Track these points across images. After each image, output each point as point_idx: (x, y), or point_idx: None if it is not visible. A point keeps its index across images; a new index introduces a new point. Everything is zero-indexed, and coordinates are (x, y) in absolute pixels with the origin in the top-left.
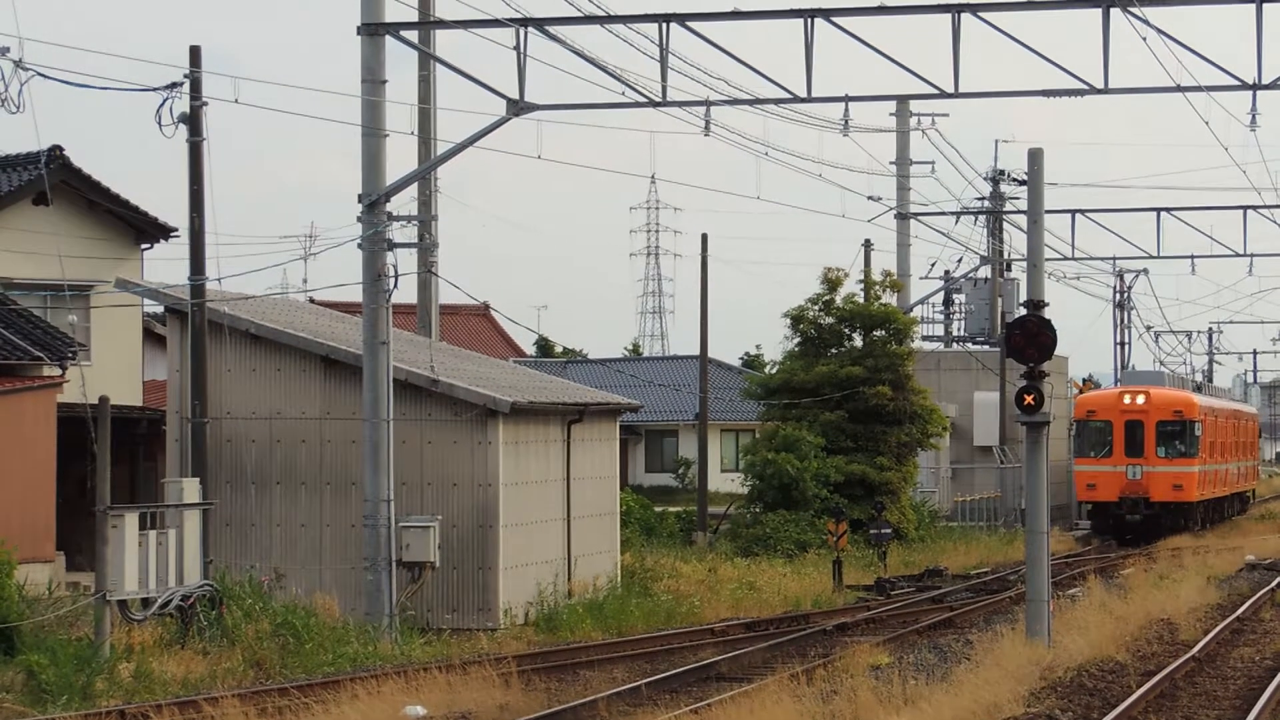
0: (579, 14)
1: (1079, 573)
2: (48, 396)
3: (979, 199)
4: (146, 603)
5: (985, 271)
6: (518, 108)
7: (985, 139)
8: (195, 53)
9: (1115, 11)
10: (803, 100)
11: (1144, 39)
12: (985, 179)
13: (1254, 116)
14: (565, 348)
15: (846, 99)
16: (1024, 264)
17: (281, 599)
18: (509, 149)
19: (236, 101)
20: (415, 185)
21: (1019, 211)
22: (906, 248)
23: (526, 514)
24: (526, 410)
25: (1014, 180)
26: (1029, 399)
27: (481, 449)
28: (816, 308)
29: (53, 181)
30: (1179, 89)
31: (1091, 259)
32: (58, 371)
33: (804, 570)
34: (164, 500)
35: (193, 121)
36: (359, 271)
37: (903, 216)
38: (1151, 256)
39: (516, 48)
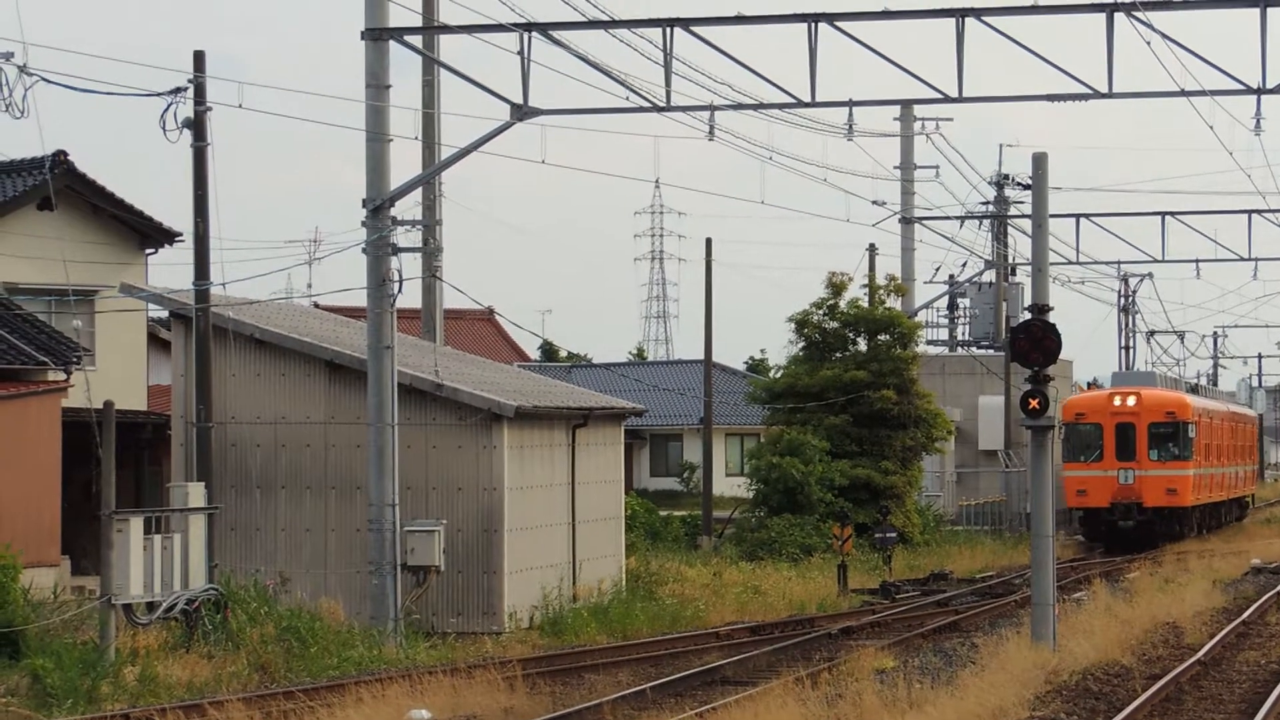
0: (583, 19)
1: (1084, 576)
2: (52, 401)
3: (983, 203)
4: (151, 607)
5: (990, 276)
6: (522, 112)
7: (989, 143)
8: (199, 58)
9: (1119, 16)
10: (807, 105)
11: (1148, 43)
12: (989, 183)
13: (1258, 121)
14: (570, 352)
15: (850, 103)
16: (1028, 268)
17: (286, 603)
18: (513, 154)
19: (240, 106)
20: (420, 190)
21: (1023, 216)
22: (911, 252)
23: (531, 518)
24: (531, 415)
25: (1018, 184)
26: (1034, 403)
27: (486, 453)
28: (821, 312)
29: (57, 186)
30: (1183, 93)
31: (1096, 263)
32: (62, 376)
33: (809, 574)
34: (169, 505)
35: (197, 126)
36: (363, 276)
37: (907, 221)
38: (1156, 260)
39: (520, 52)
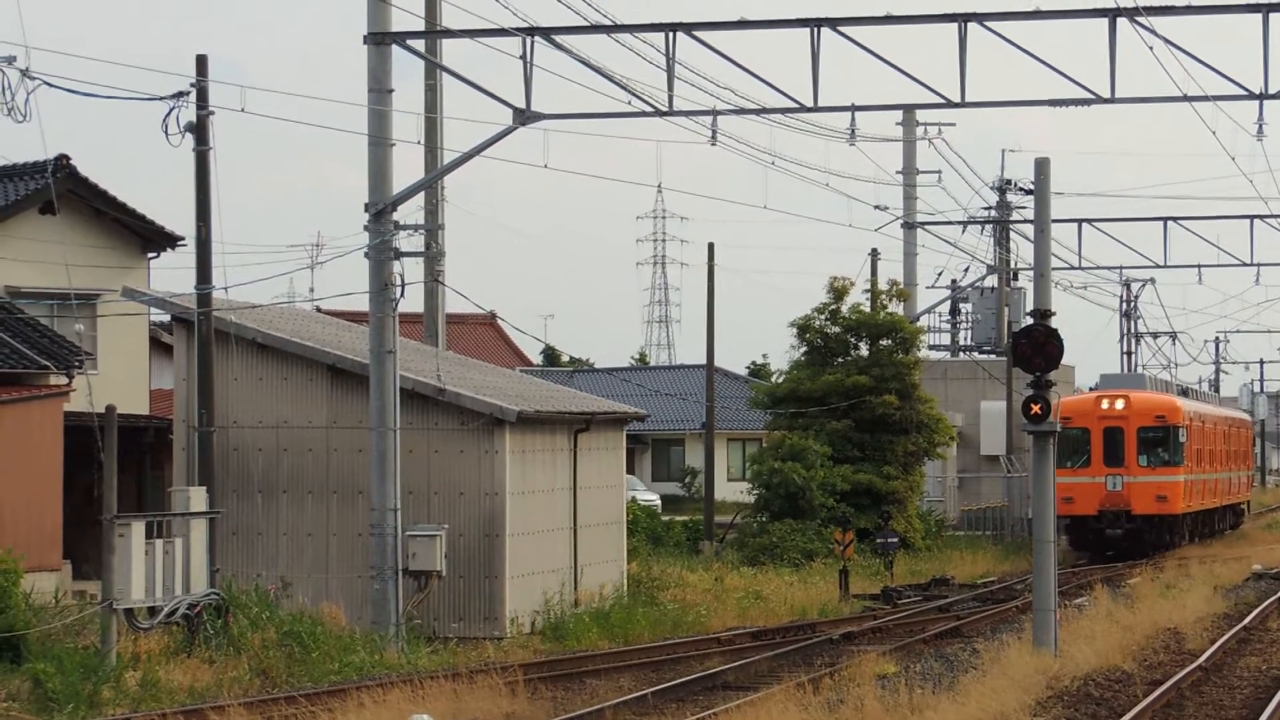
0: (586, 23)
1: (1085, 582)
2: (54, 405)
3: (985, 208)
4: (153, 611)
5: (992, 281)
6: (524, 117)
7: (992, 148)
8: (202, 61)
9: (1122, 21)
10: (809, 110)
11: (1150, 48)
12: (992, 188)
13: (1261, 126)
14: (572, 357)
15: (853, 108)
16: (1030, 273)
17: (288, 608)
18: (515, 158)
19: (243, 110)
20: (422, 194)
21: (1025, 221)
22: (913, 257)
23: (533, 523)
24: (533, 419)
25: (1020, 190)
26: (1036, 408)
27: (488, 458)
28: (823, 317)
29: (59, 190)
30: (1186, 99)
31: (1098, 268)
32: (64, 380)
33: (810, 579)
34: (171, 509)
35: (199, 130)
36: (366, 280)
37: (909, 226)
38: (1158, 266)
39: (523, 57)
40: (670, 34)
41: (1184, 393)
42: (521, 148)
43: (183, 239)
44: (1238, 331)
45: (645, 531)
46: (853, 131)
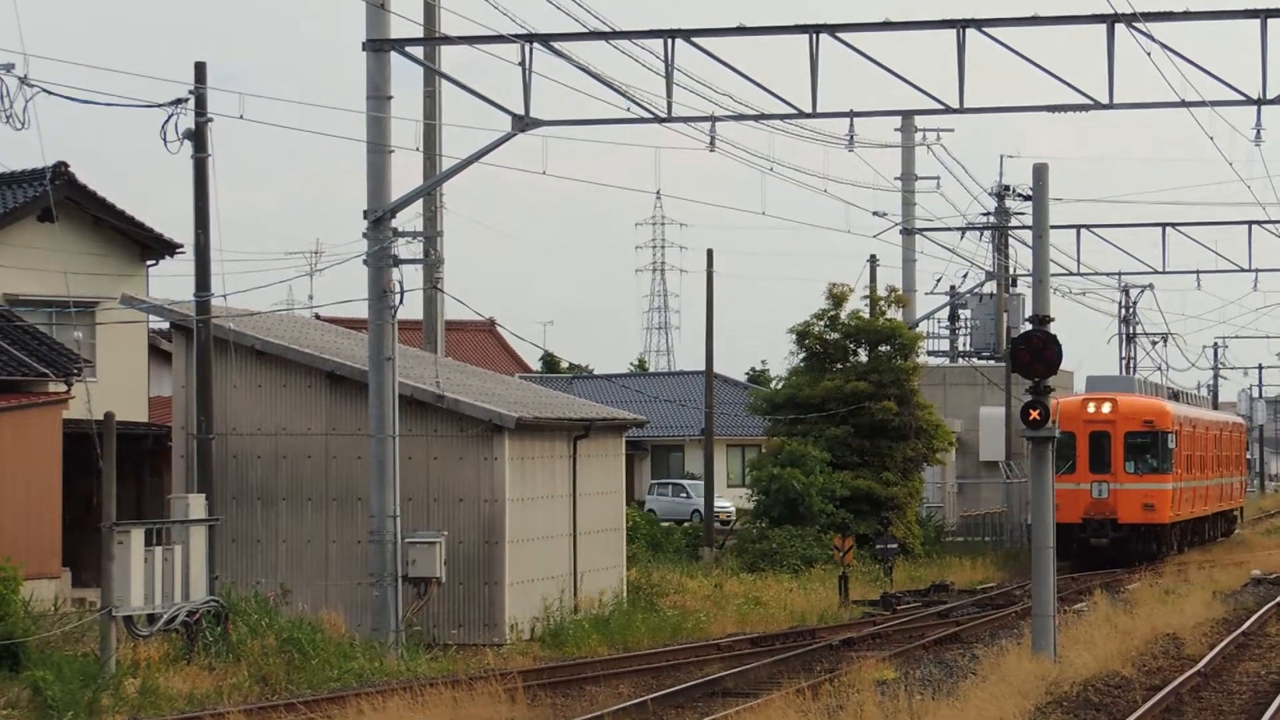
0: (584, 30)
1: (1085, 588)
2: (53, 413)
3: (984, 214)
4: (152, 618)
5: (990, 287)
6: (523, 123)
7: (990, 154)
8: (200, 69)
9: (1120, 27)
10: (808, 116)
11: (1149, 54)
12: (990, 194)
13: (1259, 132)
14: (571, 363)
15: (851, 114)
16: (1029, 279)
17: (287, 614)
18: (514, 165)
19: (241, 118)
20: (421, 201)
21: (1024, 227)
22: (912, 263)
23: (532, 529)
24: (532, 426)
25: (1019, 196)
26: (1034, 414)
27: (487, 465)
28: (822, 323)
29: (58, 198)
30: (1184, 104)
31: (1097, 274)
32: (63, 388)
33: (810, 585)
34: (170, 516)
35: (198, 137)
36: (364, 287)
37: (908, 232)
38: (1157, 272)
39: (522, 63)
40: (669, 40)
41: (1175, 396)
42: (520, 154)
43: (181, 246)
44: (1236, 337)
45: (645, 538)
46: (851, 137)
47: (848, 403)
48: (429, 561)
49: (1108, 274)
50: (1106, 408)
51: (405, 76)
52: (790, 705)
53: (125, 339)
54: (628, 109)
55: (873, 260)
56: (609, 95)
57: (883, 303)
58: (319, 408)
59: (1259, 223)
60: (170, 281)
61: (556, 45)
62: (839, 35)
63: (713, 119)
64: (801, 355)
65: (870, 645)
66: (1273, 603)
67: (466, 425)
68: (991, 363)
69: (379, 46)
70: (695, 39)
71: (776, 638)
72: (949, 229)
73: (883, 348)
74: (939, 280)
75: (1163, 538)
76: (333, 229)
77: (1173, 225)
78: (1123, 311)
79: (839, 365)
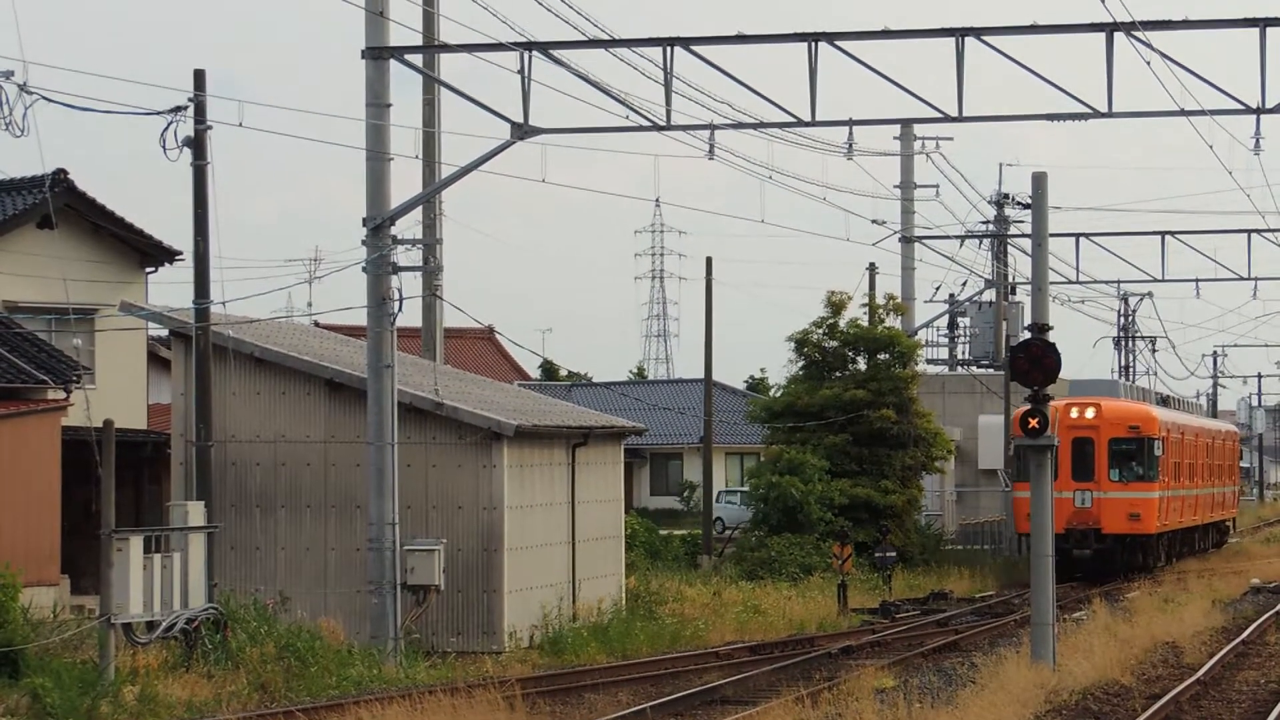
0: (583, 38)
1: (1084, 596)
2: (52, 420)
3: (983, 222)
4: (151, 626)
5: (989, 295)
6: (522, 131)
7: (989, 162)
8: (200, 76)
9: (1119, 36)
10: (807, 124)
11: (1148, 62)
12: (989, 202)
13: (1258, 140)
14: (570, 371)
15: (850, 123)
16: (1028, 287)
17: (286, 622)
18: (513, 173)
19: (241, 125)
20: (420, 209)
21: (1023, 235)
22: (911, 271)
23: (531, 537)
24: (531, 433)
25: (1018, 204)
26: (1033, 422)
27: (486, 472)
28: (821, 331)
29: (57, 205)
30: (1183, 113)
31: (1096, 282)
32: (62, 395)
33: (809, 593)
34: (169, 523)
35: (197, 145)
36: (364, 295)
37: (907, 240)
38: (1156, 280)
39: (521, 71)
40: (668, 48)
41: (1164, 402)
42: (519, 162)
43: (181, 254)
44: (1235, 345)
45: (643, 545)
46: (850, 146)
47: (846, 411)
48: (428, 569)
49: (1107, 282)
50: (1090, 413)
51: (405, 84)
52: (789, 713)
53: (124, 346)
54: (627, 117)
55: (872, 268)
56: (608, 103)
57: (881, 311)
58: (318, 415)
59: (1258, 231)
60: (169, 289)
61: (556, 53)
62: (838, 44)
63: (712, 127)
64: (800, 363)
65: (869, 653)
66: (1272, 611)
67: (465, 433)
68: (990, 371)
69: (378, 54)
70: (694, 47)
71: (775, 646)
72: (948, 237)
73: (881, 356)
74: (938, 288)
75: (1149, 549)
76: (332, 236)
77: (1172, 233)
78: (1121, 320)
79: (838, 373)
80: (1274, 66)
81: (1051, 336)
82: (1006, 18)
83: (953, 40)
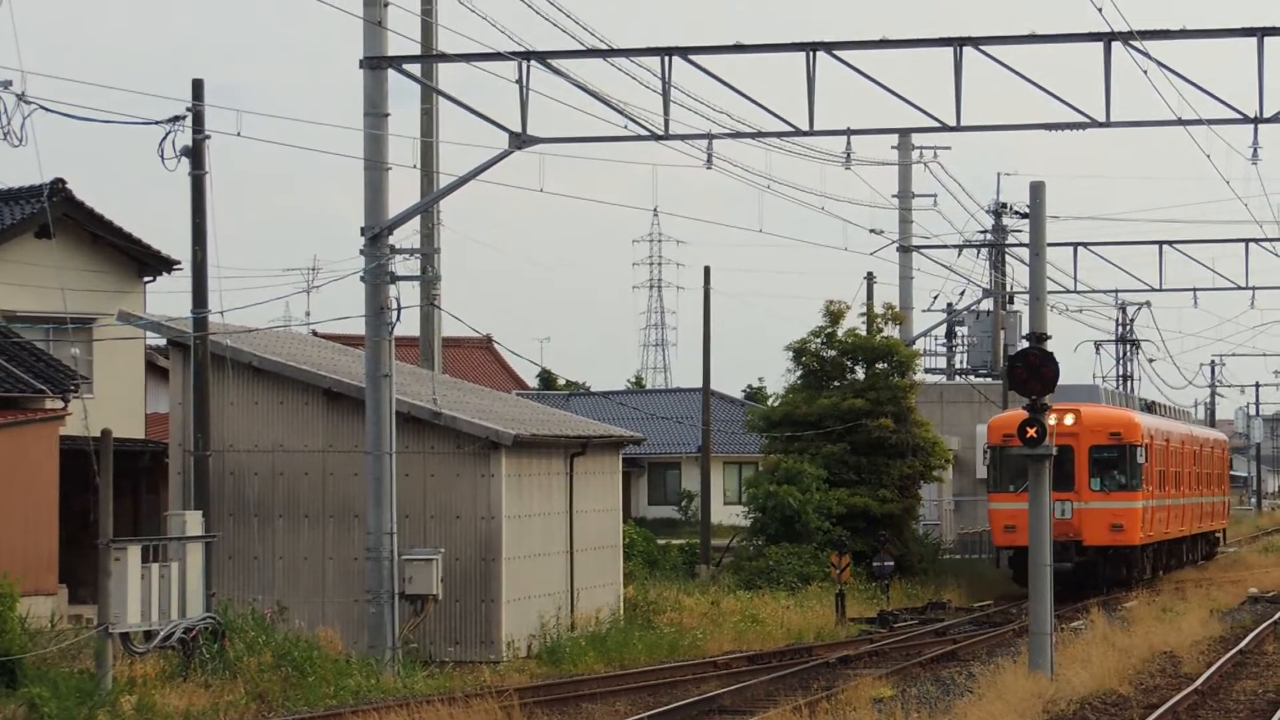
0: (582, 47)
1: (1082, 605)
2: (50, 429)
3: (981, 232)
4: (149, 635)
5: (987, 304)
6: (520, 141)
7: (987, 172)
8: (198, 86)
9: (1117, 45)
10: (805, 133)
11: (1145, 72)
12: (987, 212)
13: (1255, 150)
14: (568, 380)
15: (848, 132)
16: (1026, 297)
17: (284, 631)
18: (511, 182)
19: (239, 135)
20: (418, 218)
21: (1021, 245)
22: (909, 280)
23: (529, 547)
24: (529, 443)
25: (1016, 213)
26: (1031, 432)
27: (484, 482)
28: (819, 340)
29: (55, 214)
30: (1180, 122)
31: (1094, 291)
32: (60, 404)
33: (807, 603)
34: (167, 533)
35: (195, 155)
36: (362, 304)
37: (905, 249)
38: (1154, 289)
39: (519, 81)
40: (666, 58)
41: (1148, 407)
42: (517, 172)
43: (179, 263)
44: (1233, 355)
45: (641, 555)
46: (848, 155)
47: (844, 420)
48: (426, 579)
49: (1105, 291)
50: (1069, 419)
51: (403, 94)
52: None
53: (122, 356)
54: (625, 126)
55: (870, 278)
56: (606, 113)
57: (880, 320)
58: (316, 424)
59: (1256, 241)
60: (167, 298)
61: (554, 63)
62: (836, 53)
63: (710, 136)
64: (798, 373)
65: (867, 663)
66: (1270, 621)
67: (464, 442)
68: (988, 380)
69: (376, 64)
70: (692, 57)
71: (773, 655)
72: (946, 246)
73: (880, 365)
74: (936, 297)
75: (1133, 562)
76: (330, 246)
77: (1170, 243)
78: (1119, 329)
79: (836, 383)
80: (1272, 76)
81: (1049, 346)
82: (1004, 27)
83: (951, 50)
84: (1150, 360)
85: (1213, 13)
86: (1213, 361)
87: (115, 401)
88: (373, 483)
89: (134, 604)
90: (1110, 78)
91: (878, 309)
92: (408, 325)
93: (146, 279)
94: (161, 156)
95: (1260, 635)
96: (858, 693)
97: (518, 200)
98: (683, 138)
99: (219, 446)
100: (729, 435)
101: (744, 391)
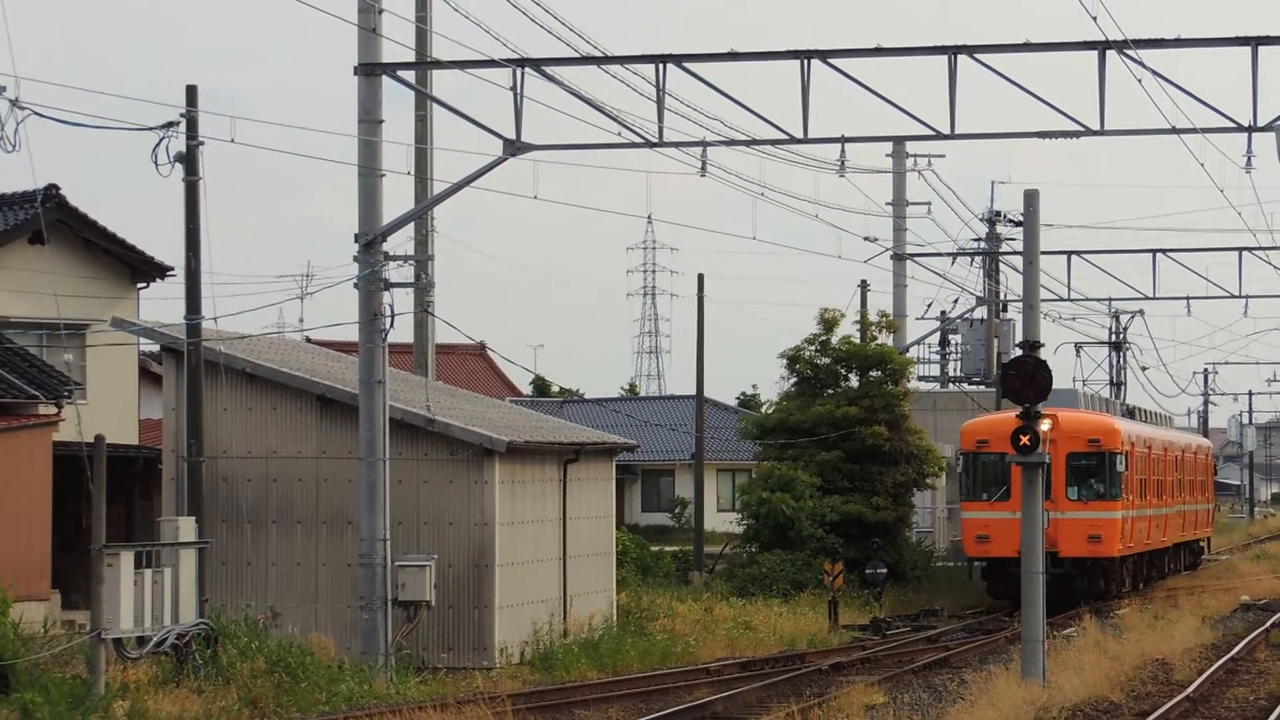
0: (576, 54)
1: (1074, 613)
2: (44, 435)
3: (975, 240)
4: (142, 641)
5: (981, 312)
6: (514, 148)
7: (981, 180)
8: (191, 92)
9: (1111, 53)
10: (799, 141)
11: (1139, 80)
12: (981, 220)
13: (1249, 158)
14: (562, 387)
15: (843, 140)
16: (1020, 305)
17: (277, 638)
18: (505, 189)
19: (233, 141)
20: (412, 225)
21: (1015, 253)
22: (903, 288)
23: (522, 553)
24: (523, 450)
25: (1010, 221)
26: (1024, 439)
27: (478, 488)
28: (813, 348)
29: (49, 220)
30: (1174, 131)
31: (1087, 300)
32: (54, 410)
33: (800, 610)
34: (160, 539)
35: (189, 161)
36: (355, 311)
37: (899, 257)
38: (1147, 298)
39: (513, 88)
40: (660, 65)
41: (1129, 413)
42: (512, 179)
43: (172, 269)
44: (1226, 363)
45: (634, 562)
46: (842, 163)
47: (838, 427)
48: (419, 585)
49: (1098, 299)
50: (1045, 425)
51: (397, 100)
52: None
53: (116, 361)
54: (619, 134)
55: (864, 285)
56: (601, 120)
57: (873, 328)
58: (309, 431)
59: (1249, 249)
60: (161, 304)
61: (548, 70)
62: (830, 61)
63: (704, 144)
64: (792, 380)
65: (859, 670)
66: (1262, 628)
67: (457, 449)
68: (982, 388)
69: (370, 71)
70: (686, 64)
71: (766, 662)
72: (940, 254)
73: (873, 373)
74: (930, 305)
75: (1111, 574)
76: (323, 252)
77: (1163, 251)
78: (1113, 337)
79: (830, 390)
80: (1265, 84)
81: (1043, 354)
82: (999, 36)
83: (945, 58)
84: (1144, 369)
85: (1207, 22)
86: (1206, 370)
87: (109, 407)
88: (366, 489)
89: (127, 610)
90: (1104, 86)
91: (872, 316)
92: (401, 332)
93: (140, 285)
94: (155, 162)
95: (1252, 643)
96: (850, 699)
97: (512, 207)
98: (677, 145)
99: (212, 452)
100: (723, 442)
101: (738, 398)
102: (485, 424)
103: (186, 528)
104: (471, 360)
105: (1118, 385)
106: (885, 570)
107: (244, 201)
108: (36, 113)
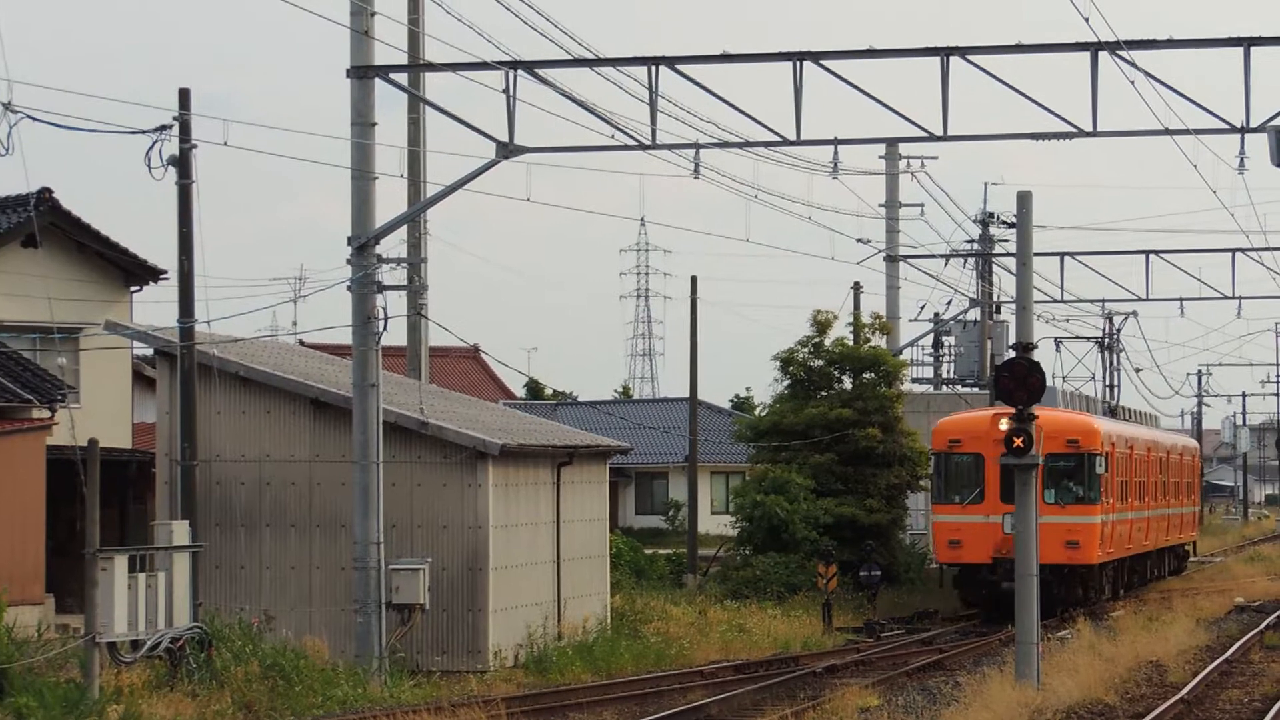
0: (569, 57)
1: (1068, 615)
2: (37, 439)
3: (968, 241)
4: (136, 645)
5: (974, 314)
6: (507, 150)
7: (974, 181)
8: (184, 95)
9: (1103, 55)
10: (792, 143)
11: (1132, 82)
12: (974, 221)
13: (1242, 160)
14: (555, 390)
15: (835, 142)
16: (1013, 306)
17: (271, 641)
18: (498, 192)
19: (226, 144)
20: (405, 228)
21: (1008, 254)
22: (896, 290)
23: (516, 556)
24: (516, 453)
25: (1003, 223)
26: (1018, 441)
27: (471, 491)
28: (806, 350)
29: (42, 224)
30: (1167, 132)
31: (1080, 301)
32: (47, 414)
33: (793, 613)
34: (153, 543)
35: (182, 164)
36: (349, 314)
37: (892, 259)
38: (1140, 299)
39: (506, 90)
40: (653, 67)
41: (1111, 412)
42: (505, 181)
43: (165, 272)
44: (1220, 364)
45: (628, 565)
46: (835, 165)
47: (832, 430)
48: (413, 588)
49: (1091, 301)
50: None
51: (390, 103)
52: None
53: (109, 365)
54: (612, 136)
55: (857, 287)
56: (593, 122)
57: (867, 330)
58: (303, 434)
59: (1242, 250)
60: (154, 308)
61: (541, 72)
62: (823, 62)
63: (697, 146)
64: (785, 382)
65: (853, 672)
66: (1256, 630)
67: (450, 452)
68: (975, 390)
69: (363, 73)
70: (679, 66)
71: (760, 665)
72: (933, 256)
73: (867, 375)
74: (923, 307)
75: (1090, 580)
76: (317, 255)
77: (1156, 252)
78: (1106, 339)
79: (823, 392)
80: (1258, 85)
81: (1036, 355)
82: (992, 37)
83: (938, 60)
84: (1138, 370)
85: (1199, 23)
86: (1199, 371)
87: (102, 411)
88: (359, 492)
89: (121, 613)
90: (1097, 87)
91: (865, 318)
92: (395, 335)
93: (133, 288)
94: (148, 166)
95: (1246, 644)
96: (844, 702)
97: (505, 210)
98: (670, 147)
99: (206, 456)
100: (716, 445)
101: (731, 401)
102: (479, 427)
103: (180, 531)
104: (465, 363)
105: (1111, 387)
106: (879, 572)
107: (237, 205)
108: (30, 116)
